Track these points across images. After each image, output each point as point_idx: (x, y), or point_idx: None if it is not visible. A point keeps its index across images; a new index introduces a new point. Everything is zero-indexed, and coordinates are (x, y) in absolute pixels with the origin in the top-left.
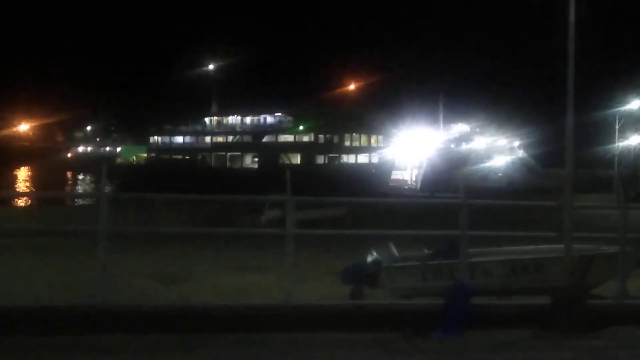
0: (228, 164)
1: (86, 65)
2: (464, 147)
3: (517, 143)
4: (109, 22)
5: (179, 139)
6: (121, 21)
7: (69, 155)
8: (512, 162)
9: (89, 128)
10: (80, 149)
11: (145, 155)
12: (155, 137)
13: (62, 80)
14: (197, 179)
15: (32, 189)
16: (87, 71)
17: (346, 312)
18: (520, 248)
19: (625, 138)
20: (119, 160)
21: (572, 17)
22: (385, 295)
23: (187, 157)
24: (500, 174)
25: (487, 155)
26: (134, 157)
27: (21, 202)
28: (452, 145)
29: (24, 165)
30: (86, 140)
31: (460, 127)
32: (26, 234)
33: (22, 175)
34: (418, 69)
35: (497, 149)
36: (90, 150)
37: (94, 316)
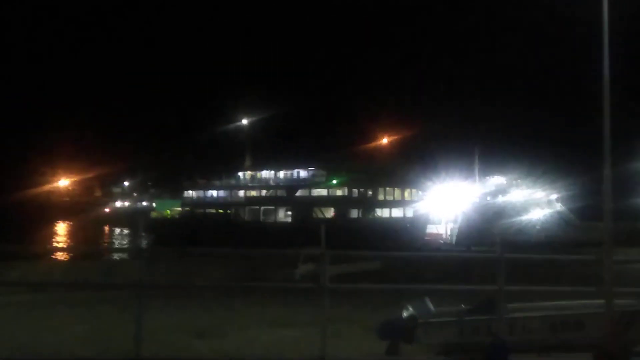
0: (262, 217)
1: (123, 122)
2: (501, 200)
3: (554, 196)
4: (145, 80)
5: (213, 193)
6: (157, 79)
7: (107, 210)
8: (550, 216)
9: (126, 183)
10: (118, 203)
11: (179, 209)
12: (190, 192)
13: (100, 136)
14: (230, 233)
15: (71, 243)
16: (124, 128)
17: None
18: (560, 303)
19: None
20: (154, 214)
21: (606, 70)
22: (422, 351)
23: (220, 210)
24: (537, 228)
25: (524, 209)
26: (168, 211)
27: (59, 256)
28: (488, 198)
29: (64, 219)
30: (123, 195)
31: (497, 180)
32: (62, 288)
33: (61, 229)
34: (453, 121)
35: (535, 202)
36: (128, 205)
37: None
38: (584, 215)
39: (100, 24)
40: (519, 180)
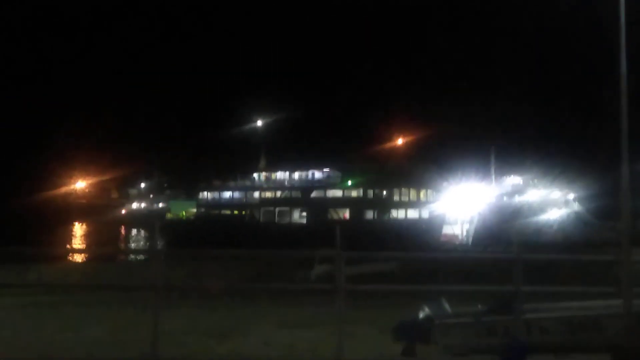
0: (276, 219)
1: (139, 124)
2: (517, 200)
3: (571, 196)
4: (161, 82)
5: (228, 195)
6: (173, 81)
7: (123, 211)
8: (567, 216)
9: (142, 185)
10: (134, 205)
11: (194, 210)
12: (205, 193)
13: (116, 139)
14: (246, 234)
15: (87, 244)
16: (140, 130)
17: None
18: (578, 304)
19: None
20: (169, 215)
21: (623, 68)
22: (438, 353)
23: (235, 212)
24: (554, 228)
25: (541, 209)
26: (184, 213)
27: (76, 258)
28: (505, 199)
29: (80, 221)
30: (140, 197)
31: (513, 180)
32: (79, 289)
33: (78, 231)
34: (469, 121)
35: (551, 202)
36: (144, 206)
37: None
38: (602, 215)
39: (119, 27)
40: (535, 180)
